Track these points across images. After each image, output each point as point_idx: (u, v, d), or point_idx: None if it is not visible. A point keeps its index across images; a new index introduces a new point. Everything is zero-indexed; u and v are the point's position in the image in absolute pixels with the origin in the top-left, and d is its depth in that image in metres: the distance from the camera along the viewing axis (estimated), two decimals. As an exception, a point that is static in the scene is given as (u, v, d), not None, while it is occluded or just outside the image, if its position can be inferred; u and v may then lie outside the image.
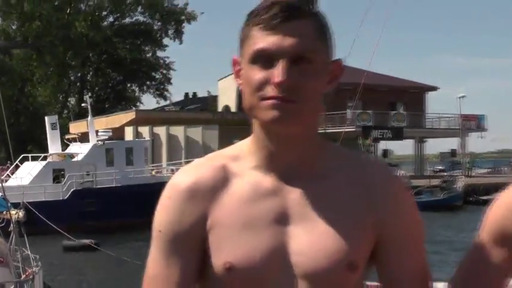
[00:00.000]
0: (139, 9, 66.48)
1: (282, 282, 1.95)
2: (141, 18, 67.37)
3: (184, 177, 2.08)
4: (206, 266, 2.02)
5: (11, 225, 15.98)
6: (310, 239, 1.97)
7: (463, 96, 65.96)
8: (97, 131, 45.26)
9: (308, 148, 2.02)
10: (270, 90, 1.84)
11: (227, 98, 58.75)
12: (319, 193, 1.99)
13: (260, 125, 1.99)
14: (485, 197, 44.64)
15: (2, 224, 16.13)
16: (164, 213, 2.05)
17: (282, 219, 1.98)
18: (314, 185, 2.00)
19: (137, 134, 53.45)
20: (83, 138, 45.84)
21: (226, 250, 1.96)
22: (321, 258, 1.95)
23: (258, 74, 1.88)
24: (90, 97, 49.40)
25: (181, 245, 2.03)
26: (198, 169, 2.09)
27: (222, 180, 2.04)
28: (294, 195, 2.00)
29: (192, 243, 2.02)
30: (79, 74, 65.04)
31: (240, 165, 2.06)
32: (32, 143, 46.47)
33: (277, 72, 1.83)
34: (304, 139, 1.99)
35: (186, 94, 72.09)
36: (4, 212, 17.03)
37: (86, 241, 28.63)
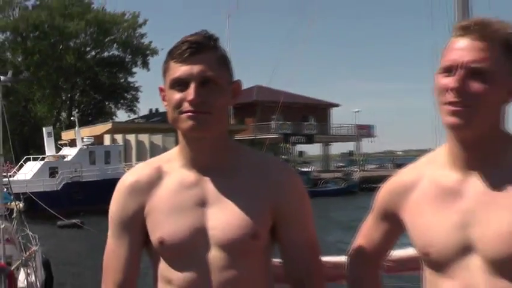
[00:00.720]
0: (115, 45, 70.49)
1: (201, 251, 2.26)
2: (116, 52, 71.22)
3: (128, 176, 2.40)
4: (149, 241, 2.33)
5: (14, 213, 17.18)
6: (223, 218, 2.27)
7: (357, 111, 72.72)
8: (82, 138, 47.39)
9: (219, 149, 2.31)
10: (186, 106, 2.15)
11: None
12: (230, 184, 2.29)
13: (182, 134, 2.30)
14: (374, 185, 43.47)
15: (7, 213, 16.18)
16: (114, 204, 2.38)
17: (202, 204, 2.29)
18: (226, 178, 2.30)
19: (113, 140, 54.23)
20: (72, 143, 47.95)
21: (159, 229, 2.26)
22: (232, 231, 2.25)
23: (176, 95, 2.17)
24: (77, 112, 52.46)
25: (127, 228, 2.34)
26: (139, 170, 2.41)
27: (156, 178, 2.34)
28: (211, 186, 2.29)
29: (135, 226, 2.33)
30: (69, 95, 67.95)
31: (171, 166, 2.36)
32: (33, 148, 48.21)
33: (190, 93, 2.14)
34: (215, 142, 2.28)
35: (150, 109, 74.17)
36: (8, 203, 17.75)
37: (75, 221, 29.96)
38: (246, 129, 56.93)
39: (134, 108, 75.65)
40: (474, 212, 2.01)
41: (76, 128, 47.88)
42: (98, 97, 72.01)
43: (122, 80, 73.60)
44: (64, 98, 69.58)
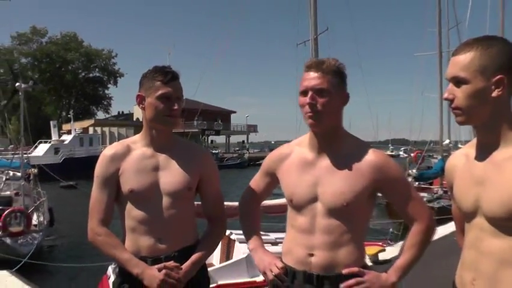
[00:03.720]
0: (97, 69, 70.98)
1: (156, 197, 2.21)
2: (97, 74, 71.48)
3: (108, 150, 2.29)
4: (120, 192, 2.23)
5: (31, 176, 16.75)
6: (170, 177, 2.23)
7: (247, 116, 71.05)
8: (75, 129, 46.55)
9: (169, 137, 2.29)
10: (169, 113, 2.17)
11: (138, 114, 58.26)
12: (173, 157, 2.26)
13: (154, 126, 2.23)
14: (257, 162, 44.97)
15: (26, 176, 15.71)
16: (98, 167, 2.26)
17: (156, 168, 2.24)
18: (171, 153, 2.27)
19: (95, 131, 53.69)
20: (69, 132, 46.75)
21: (130, 183, 2.21)
22: (176, 185, 2.22)
23: (162, 105, 2.16)
24: (72, 112, 50.96)
25: (107, 183, 2.24)
26: (115, 146, 2.31)
27: (127, 151, 2.27)
28: (162, 158, 2.25)
29: (112, 181, 2.24)
30: (67, 101, 68.25)
31: (136, 145, 2.29)
32: (44, 135, 46.47)
33: (175, 105, 2.17)
34: (170, 133, 2.29)
35: (119, 112, 76.01)
36: (27, 170, 16.82)
37: (71, 183, 28.04)
38: (179, 125, 53.15)
39: (109, 110, 75.97)
40: (321, 177, 2.04)
41: (71, 123, 47.18)
42: (86, 103, 72.18)
43: (101, 92, 73.72)
44: (64, 102, 69.34)
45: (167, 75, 2.19)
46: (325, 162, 2.07)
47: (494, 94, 1.54)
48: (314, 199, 2.06)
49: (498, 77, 1.52)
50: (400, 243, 8.24)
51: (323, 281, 2.03)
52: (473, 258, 1.64)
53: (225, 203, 2.50)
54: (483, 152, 1.63)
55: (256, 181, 2.36)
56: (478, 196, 1.61)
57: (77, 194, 24.20)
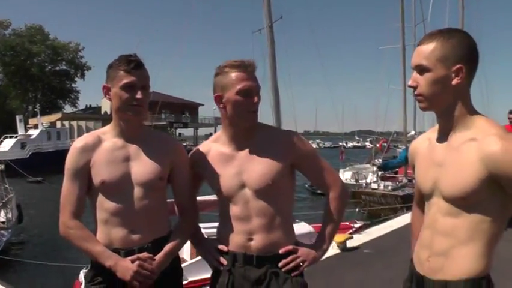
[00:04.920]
0: (64, 63, 69.56)
1: (128, 188, 2.19)
2: (64, 67, 70.03)
3: (79, 141, 2.26)
4: (91, 184, 2.20)
5: None
6: (142, 167, 2.21)
7: (215, 109, 60.41)
8: (42, 123, 45.90)
9: (139, 127, 2.27)
10: (134, 102, 2.11)
11: (106, 107, 58.59)
12: (144, 147, 2.24)
13: (120, 117, 2.20)
14: None
15: None
16: (69, 159, 2.22)
17: (127, 159, 2.22)
18: (144, 142, 2.25)
19: (62, 125, 52.88)
20: (35, 127, 45.80)
21: (101, 174, 2.18)
22: (147, 175, 2.21)
23: (126, 95, 2.11)
24: (39, 106, 50.10)
25: (78, 175, 2.21)
26: (86, 137, 2.28)
27: (97, 142, 2.23)
28: (133, 147, 2.23)
29: (83, 173, 2.20)
30: (34, 94, 66.83)
31: (106, 136, 2.26)
32: (10, 130, 45.57)
33: (138, 94, 2.11)
34: (139, 123, 2.26)
35: (86, 105, 74.98)
36: None
37: (38, 178, 28.21)
38: (147, 118, 53.77)
39: (76, 104, 74.64)
40: (243, 166, 2.15)
41: (38, 117, 46.35)
42: (53, 96, 70.71)
43: (68, 86, 72.43)
44: (30, 96, 67.96)
45: (130, 64, 2.15)
46: (244, 152, 2.18)
47: (454, 82, 1.63)
48: (242, 186, 2.16)
49: (457, 66, 1.62)
50: (372, 229, 8.76)
51: (263, 262, 2.14)
52: (429, 237, 1.74)
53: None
54: (443, 137, 1.73)
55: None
56: (436, 177, 1.72)
57: (46, 190, 24.40)
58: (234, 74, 2.09)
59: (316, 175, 2.27)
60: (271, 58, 13.65)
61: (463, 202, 1.62)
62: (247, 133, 2.18)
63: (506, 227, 1.71)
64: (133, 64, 2.15)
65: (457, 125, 1.68)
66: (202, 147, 2.34)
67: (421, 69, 1.66)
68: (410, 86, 1.70)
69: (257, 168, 2.14)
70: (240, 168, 2.17)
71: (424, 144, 1.86)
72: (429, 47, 1.64)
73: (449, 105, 1.68)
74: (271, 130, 2.28)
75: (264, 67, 13.36)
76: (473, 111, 1.69)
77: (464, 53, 1.63)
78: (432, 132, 1.83)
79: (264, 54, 13.92)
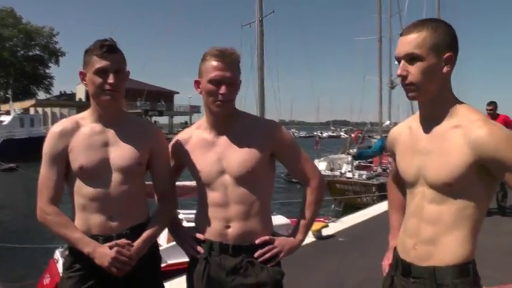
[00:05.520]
0: (37, 48, 68.25)
1: (106, 173, 2.17)
2: (38, 52, 68.66)
3: (57, 126, 2.24)
4: (69, 169, 2.19)
5: None
6: (120, 152, 2.20)
7: (190, 97, 68.71)
8: (14, 110, 44.32)
9: (117, 112, 2.25)
10: (107, 87, 2.10)
11: (81, 94, 58.52)
12: (123, 132, 2.24)
13: (97, 102, 2.19)
14: None
15: None
16: (47, 145, 2.20)
17: (106, 144, 2.21)
18: (122, 127, 2.25)
19: (36, 111, 51.53)
20: (7, 113, 44.15)
21: (79, 160, 2.16)
22: (126, 160, 2.20)
23: (99, 79, 2.11)
24: (11, 92, 48.93)
25: (56, 161, 2.19)
26: (64, 122, 2.26)
27: (76, 127, 2.22)
28: (112, 132, 2.22)
29: (61, 159, 2.18)
30: (5, 80, 64.29)
31: (84, 121, 2.24)
32: None
33: (110, 78, 2.09)
34: (116, 108, 2.23)
35: (61, 91, 72.73)
36: None
37: (12, 165, 27.87)
38: (121, 98, 53.27)
39: (50, 90, 73.39)
40: (223, 152, 2.16)
41: (10, 103, 45.62)
42: (26, 82, 69.42)
43: (41, 71, 71.25)
44: (1, 81, 66.52)
45: (102, 49, 2.12)
46: (224, 139, 2.18)
47: (444, 70, 1.66)
48: (222, 172, 2.16)
49: (448, 54, 1.65)
50: (347, 217, 8.78)
51: (239, 251, 2.14)
52: (415, 225, 1.76)
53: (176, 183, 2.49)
54: (427, 125, 1.74)
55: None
56: (421, 165, 1.73)
57: (19, 177, 24.49)
58: (210, 62, 2.09)
59: (296, 166, 2.27)
60: (259, 51, 13.84)
61: (449, 188, 1.64)
62: (226, 120, 2.18)
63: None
64: (105, 48, 2.12)
65: (441, 113, 1.70)
66: (185, 133, 2.34)
67: (412, 58, 1.65)
68: (400, 75, 1.69)
69: (237, 155, 2.14)
70: (220, 155, 2.17)
71: (405, 133, 1.86)
72: (419, 36, 1.64)
73: (436, 93, 1.69)
74: (253, 119, 2.29)
75: (251, 60, 13.79)
76: (455, 100, 1.72)
77: (452, 42, 1.67)
78: (413, 121, 1.84)
79: (252, 47, 14.23)
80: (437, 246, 1.70)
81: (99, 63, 2.12)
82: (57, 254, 6.95)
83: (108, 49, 2.13)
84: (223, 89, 2.07)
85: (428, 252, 1.72)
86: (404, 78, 1.69)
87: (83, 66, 2.19)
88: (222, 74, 2.07)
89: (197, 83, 2.16)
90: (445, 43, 1.65)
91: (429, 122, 1.74)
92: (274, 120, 2.38)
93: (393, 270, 1.89)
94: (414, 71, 1.66)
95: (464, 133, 1.61)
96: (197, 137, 2.26)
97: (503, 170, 1.56)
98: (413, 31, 1.67)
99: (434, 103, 1.71)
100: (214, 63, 2.08)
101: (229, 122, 2.19)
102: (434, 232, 1.70)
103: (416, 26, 1.67)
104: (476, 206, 1.66)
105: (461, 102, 1.72)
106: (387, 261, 2.03)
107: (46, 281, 6.60)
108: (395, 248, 1.92)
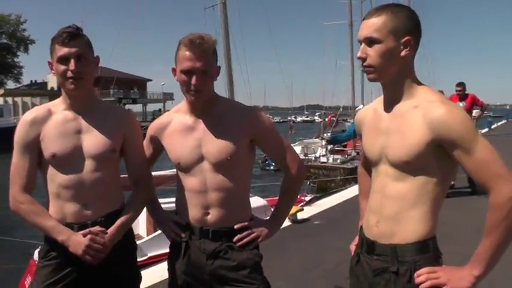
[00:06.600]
0: (4, 36, 66.38)
1: (79, 161, 2.18)
2: (5, 41, 66.70)
3: (29, 114, 2.23)
4: (42, 157, 2.18)
5: None
6: (93, 139, 2.20)
7: (163, 84, 69.37)
8: None
9: (87, 99, 2.24)
10: (69, 74, 2.10)
11: (53, 83, 57.69)
12: (94, 119, 2.24)
13: (65, 91, 2.21)
14: None
15: None
16: (18, 132, 2.18)
17: (78, 131, 2.21)
18: (92, 115, 2.24)
19: (5, 101, 50.14)
20: None
21: (52, 147, 2.15)
22: (99, 147, 2.20)
23: (62, 67, 2.10)
24: None
25: (28, 148, 2.17)
26: (36, 110, 2.24)
27: (48, 115, 2.20)
28: (83, 121, 2.22)
29: (33, 147, 2.17)
30: None
31: (57, 109, 2.23)
32: None
33: (71, 65, 2.09)
34: (86, 95, 2.22)
35: (31, 81, 72.16)
36: None
37: None
38: (88, 85, 51.24)
39: (20, 80, 71.70)
40: (203, 138, 2.15)
41: None
42: None
43: (10, 60, 69.48)
44: None
45: (62, 36, 2.12)
46: (204, 124, 2.17)
47: (403, 53, 1.70)
48: (200, 159, 2.15)
49: (406, 38, 1.70)
50: (322, 201, 8.87)
51: (218, 235, 2.17)
52: (378, 202, 1.81)
53: (152, 173, 2.50)
54: (389, 106, 1.80)
55: (145, 147, 2.40)
56: (383, 145, 1.79)
57: None
58: (182, 52, 2.07)
59: (276, 152, 2.28)
60: (224, 34, 13.63)
61: (409, 166, 1.69)
62: (204, 106, 2.16)
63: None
64: (65, 35, 2.11)
65: (402, 94, 1.75)
66: (164, 117, 2.32)
67: (371, 41, 1.71)
68: (360, 58, 1.75)
69: (216, 141, 2.13)
70: (199, 141, 2.16)
71: (369, 114, 1.92)
72: (379, 20, 1.70)
73: (396, 75, 1.74)
74: (233, 104, 2.28)
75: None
76: (417, 82, 1.77)
77: (412, 26, 1.71)
78: (378, 103, 1.89)
79: (217, 30, 13.96)
80: (398, 223, 1.74)
81: (61, 51, 2.12)
82: (37, 254, 6.84)
83: (68, 36, 2.12)
84: (194, 80, 2.05)
85: (390, 230, 1.76)
86: (363, 60, 1.74)
87: (50, 56, 2.18)
88: (191, 64, 2.04)
89: (174, 71, 2.15)
90: (405, 27, 1.69)
91: (391, 103, 1.79)
92: (255, 106, 2.36)
93: (359, 248, 1.95)
94: (372, 53, 1.72)
95: (423, 113, 1.66)
96: (177, 121, 2.24)
97: (454, 148, 1.61)
98: (374, 15, 1.72)
99: (395, 85, 1.76)
100: (186, 53, 2.05)
101: (206, 107, 2.17)
102: (395, 209, 1.74)
103: (377, 11, 1.73)
104: (436, 183, 1.71)
105: (422, 85, 1.77)
106: (353, 244, 2.09)
107: (28, 282, 6.49)
108: (361, 227, 1.98)
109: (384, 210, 1.78)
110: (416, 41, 1.73)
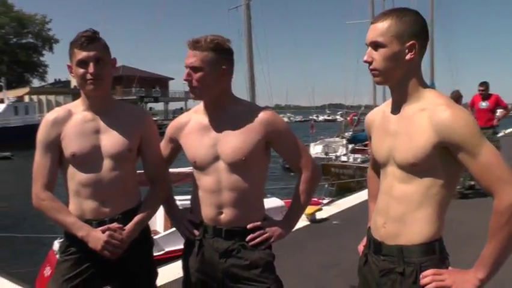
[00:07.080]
0: (30, 35, 67.84)
1: (98, 160, 2.23)
2: (31, 40, 68.33)
3: (50, 114, 2.29)
4: (63, 156, 2.24)
5: None
6: (111, 139, 2.25)
7: (184, 83, 70.75)
8: (8, 98, 44.37)
9: (106, 100, 2.30)
10: (88, 76, 2.15)
11: (75, 81, 60.82)
12: (113, 119, 2.28)
13: (84, 93, 2.26)
14: None
15: None
16: (40, 132, 2.25)
17: (97, 131, 2.26)
18: (111, 116, 2.29)
19: (31, 99, 51.46)
20: (1, 101, 44.05)
21: (72, 147, 2.21)
22: (117, 147, 2.24)
23: (81, 70, 2.16)
24: (4, 80, 46.98)
25: (49, 148, 2.24)
26: (57, 111, 2.31)
27: (68, 115, 2.27)
28: (101, 121, 2.27)
29: (54, 146, 2.24)
30: None
31: (76, 109, 2.30)
32: None
33: (90, 68, 2.14)
34: (104, 96, 2.27)
35: (55, 79, 72.88)
36: None
37: (7, 154, 28.02)
38: (117, 93, 54.33)
39: (45, 78, 73.09)
40: (219, 138, 2.17)
41: (4, 91, 45.24)
42: (19, 70, 68.99)
43: (35, 59, 70.72)
44: None
45: (80, 40, 2.17)
46: (220, 124, 2.19)
47: (408, 57, 1.72)
48: (216, 158, 2.17)
49: (411, 42, 1.71)
50: (341, 201, 8.77)
51: (231, 235, 2.19)
52: (385, 203, 1.83)
53: (170, 170, 2.52)
54: (396, 109, 1.82)
55: (163, 146, 2.43)
56: (391, 146, 1.81)
57: (12, 164, 25.24)
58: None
59: (290, 154, 2.29)
60: (247, 35, 13.61)
61: (415, 168, 1.70)
62: (215, 104, 2.19)
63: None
64: (83, 39, 2.16)
65: (408, 97, 1.77)
66: (183, 116, 2.36)
67: (376, 45, 1.74)
68: (366, 61, 1.78)
69: (232, 141, 2.15)
70: (215, 140, 2.18)
71: (378, 116, 1.95)
72: (384, 24, 1.72)
73: (401, 79, 1.76)
74: (248, 105, 2.30)
75: (240, 43, 13.63)
76: (423, 85, 1.79)
77: (417, 30, 1.73)
78: (386, 105, 1.92)
79: (240, 31, 13.96)
80: (405, 224, 1.76)
81: (79, 54, 2.17)
82: (56, 245, 6.92)
83: (86, 40, 2.16)
84: (184, 75, 2.15)
85: (397, 231, 1.78)
86: (369, 64, 1.77)
87: (69, 59, 2.23)
88: (186, 61, 2.14)
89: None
90: (409, 31, 1.71)
91: (398, 106, 1.81)
92: (269, 108, 2.39)
93: (366, 248, 1.97)
94: (378, 57, 1.74)
95: (429, 116, 1.67)
96: (195, 121, 2.27)
97: (459, 150, 1.62)
98: (380, 20, 1.75)
99: (401, 88, 1.78)
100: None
101: (222, 108, 2.20)
102: (402, 210, 1.76)
103: (383, 15, 1.75)
104: (441, 185, 1.72)
105: (428, 88, 1.79)
106: (361, 245, 2.11)
107: (47, 272, 6.59)
108: (368, 228, 2.00)
109: (391, 211, 1.80)
110: (421, 45, 1.75)
